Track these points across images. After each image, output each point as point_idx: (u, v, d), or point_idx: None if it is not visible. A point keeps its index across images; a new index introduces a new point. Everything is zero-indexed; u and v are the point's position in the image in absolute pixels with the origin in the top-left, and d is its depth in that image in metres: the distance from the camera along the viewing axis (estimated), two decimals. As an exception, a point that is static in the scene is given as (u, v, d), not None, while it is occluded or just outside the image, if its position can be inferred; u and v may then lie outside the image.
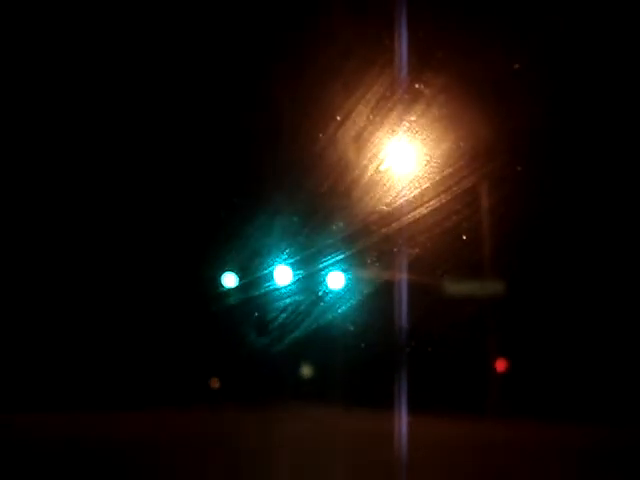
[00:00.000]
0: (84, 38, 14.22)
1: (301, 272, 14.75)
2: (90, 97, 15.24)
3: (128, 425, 13.51)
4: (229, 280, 14.53)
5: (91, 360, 17.44)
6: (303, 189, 14.88)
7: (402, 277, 14.13)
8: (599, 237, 15.00)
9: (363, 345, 16.24)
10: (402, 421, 10.23)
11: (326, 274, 14.54)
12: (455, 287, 14.12)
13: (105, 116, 15.46)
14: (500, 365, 14.89)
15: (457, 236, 14.86)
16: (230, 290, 14.56)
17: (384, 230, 14.37)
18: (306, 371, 22.24)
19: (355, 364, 17.31)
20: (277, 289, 14.68)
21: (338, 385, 17.27)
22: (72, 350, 17.38)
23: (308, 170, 14.41)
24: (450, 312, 14.98)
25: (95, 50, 14.54)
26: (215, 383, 25.00)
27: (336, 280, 14.44)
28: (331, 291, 14.73)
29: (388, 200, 13.79)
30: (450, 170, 13.44)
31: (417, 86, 12.11)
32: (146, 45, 14.58)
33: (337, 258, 14.70)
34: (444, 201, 14.33)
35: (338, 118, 12.86)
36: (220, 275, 14.68)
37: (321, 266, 14.74)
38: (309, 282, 14.83)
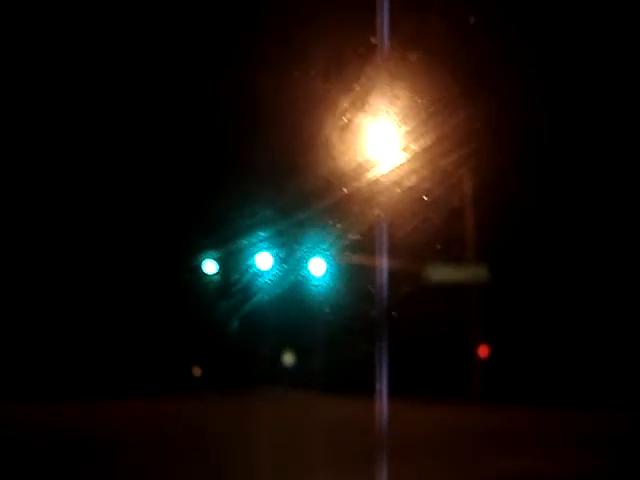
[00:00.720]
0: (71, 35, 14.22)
1: (282, 258, 14.82)
2: (78, 92, 15.23)
3: (109, 414, 13.50)
4: (210, 267, 14.53)
5: (71, 348, 17.43)
6: (281, 174, 15.01)
7: (383, 262, 14.19)
8: (585, 221, 15.09)
9: (343, 331, 16.32)
10: (382, 407, 10.08)
11: (307, 260, 14.58)
12: (437, 272, 14.18)
13: (87, 104, 15.43)
14: (482, 351, 15.01)
15: (439, 220, 15.01)
16: (211, 276, 14.54)
17: (364, 215, 14.49)
18: (287, 357, 22.34)
19: (335, 350, 17.35)
20: (258, 275, 14.72)
21: (318, 371, 17.32)
22: (51, 339, 17.39)
23: (287, 156, 14.61)
24: (432, 297, 15.06)
25: (90, 49, 14.56)
26: (196, 371, 25.32)
27: (317, 266, 14.50)
28: (312, 277, 14.80)
29: (369, 185, 13.86)
30: (432, 152, 13.34)
31: (398, 66, 12.03)
32: (136, 40, 14.52)
33: (317, 243, 14.78)
34: (426, 185, 14.38)
35: (317, 99, 12.92)
36: (201, 262, 14.66)
37: (302, 252, 14.80)
38: (290, 268, 14.88)
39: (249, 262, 14.64)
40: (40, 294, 17.20)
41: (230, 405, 14.04)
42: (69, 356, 17.32)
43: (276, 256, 14.60)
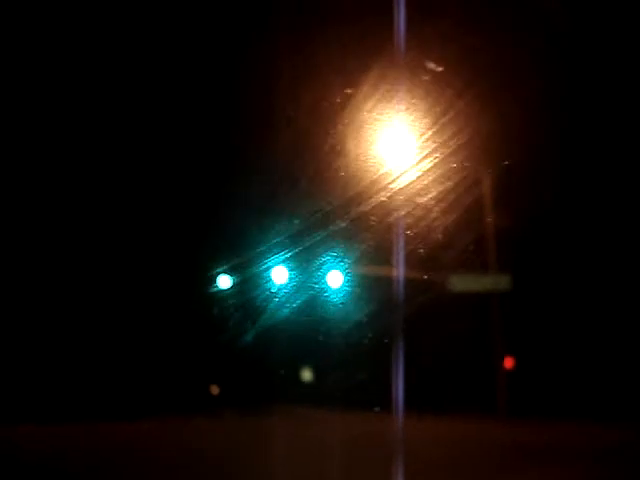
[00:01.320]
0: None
1: (298, 271, 14.57)
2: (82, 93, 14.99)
3: (122, 435, 13.32)
4: (224, 281, 14.29)
5: (82, 367, 17.15)
6: (298, 186, 14.71)
7: (400, 272, 13.89)
8: (609, 228, 14.75)
9: (361, 345, 16.03)
10: (400, 424, 10.08)
11: (324, 272, 14.31)
12: (457, 282, 13.84)
13: (97, 110, 15.21)
14: (507, 363, 14.65)
15: (459, 228, 14.66)
16: (225, 291, 14.31)
17: (381, 223, 14.19)
18: (304, 374, 22.06)
19: (353, 365, 17.05)
20: (273, 289, 14.48)
21: (337, 388, 17.02)
22: (61, 357, 17.11)
23: (303, 167, 14.36)
24: (452, 309, 14.74)
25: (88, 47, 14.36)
26: (213, 389, 25.09)
27: (334, 278, 14.19)
28: (329, 289, 14.51)
29: (387, 194, 13.58)
30: (451, 159, 12.84)
31: (417, 71, 11.82)
32: (149, 42, 14.40)
33: (334, 255, 14.49)
34: (445, 192, 13.95)
35: (333, 104, 12.70)
36: (215, 276, 14.42)
37: (319, 264, 14.53)
38: (306, 281, 14.62)
39: (265, 276, 14.34)
40: (51, 310, 16.96)
41: (247, 424, 13.72)
42: (81, 375, 17.00)
43: (292, 269, 14.28)
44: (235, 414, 17.76)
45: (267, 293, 14.78)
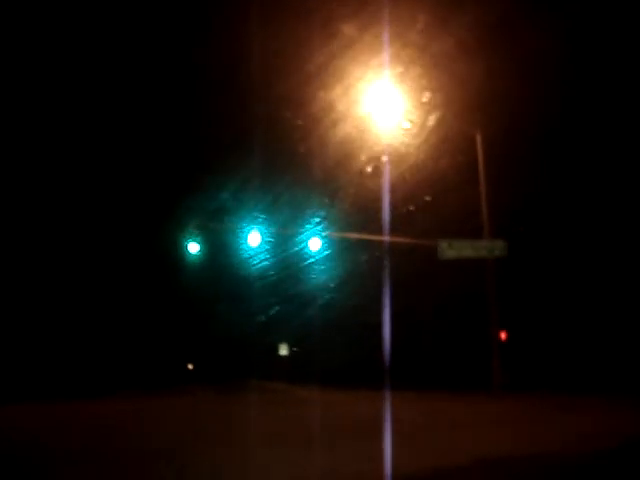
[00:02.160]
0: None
1: (278, 236, 13.70)
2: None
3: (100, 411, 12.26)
4: (193, 246, 13.24)
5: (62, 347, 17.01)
6: (284, 146, 14.10)
7: (387, 238, 13.00)
8: (613, 189, 13.91)
9: (344, 317, 15.36)
10: (387, 403, 9.19)
11: (304, 236, 13.34)
12: (447, 248, 12.92)
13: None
14: (501, 336, 13.72)
15: (450, 190, 13.94)
16: (195, 256, 13.28)
17: (367, 187, 13.39)
18: (282, 348, 21.35)
19: (337, 339, 16.34)
20: (249, 254, 13.57)
21: (318, 363, 16.31)
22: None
23: (285, 126, 13.45)
24: (443, 276, 13.91)
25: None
26: (190, 365, 24.79)
27: (316, 244, 13.21)
28: (309, 254, 13.57)
29: (376, 155, 12.88)
30: (444, 120, 12.51)
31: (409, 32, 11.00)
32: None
33: (318, 220, 13.63)
34: (438, 154, 13.43)
35: (326, 67, 11.66)
36: (184, 241, 13.36)
37: (301, 230, 13.62)
38: (287, 247, 13.76)
39: (239, 240, 13.38)
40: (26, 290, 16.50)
41: (222, 403, 12.85)
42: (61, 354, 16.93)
43: (268, 233, 13.32)
44: (210, 392, 17.21)
45: (240, 259, 13.99)
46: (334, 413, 9.79)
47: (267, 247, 13.43)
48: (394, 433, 6.51)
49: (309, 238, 13.14)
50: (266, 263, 13.66)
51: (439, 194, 13.47)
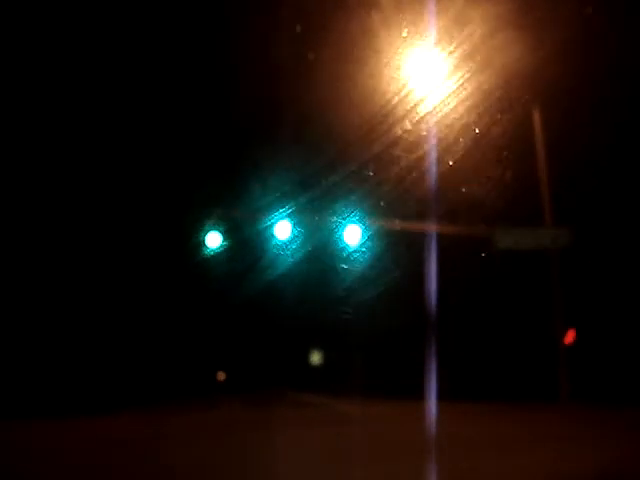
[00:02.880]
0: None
1: (311, 226, 12.13)
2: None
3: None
4: (213, 240, 11.71)
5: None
6: (308, 125, 12.74)
7: (435, 228, 11.42)
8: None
9: (385, 322, 13.84)
10: (433, 416, 8.32)
11: (340, 227, 11.77)
12: (506, 238, 11.40)
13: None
14: (568, 338, 12.08)
15: (506, 172, 12.09)
16: (215, 251, 11.77)
17: (412, 170, 11.74)
18: (315, 356, 19.86)
19: (376, 347, 14.83)
20: (278, 247, 12.10)
21: (356, 372, 14.87)
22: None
23: (317, 107, 12.13)
24: (500, 270, 12.31)
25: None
26: (221, 376, 23.68)
27: (352, 234, 11.65)
28: (346, 247, 11.96)
29: (418, 131, 11.07)
30: (497, 95, 10.93)
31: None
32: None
33: (352, 207, 12.04)
34: (491, 133, 11.47)
35: (359, 35, 10.49)
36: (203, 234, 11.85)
37: (333, 218, 12.03)
38: (321, 238, 12.21)
39: (267, 232, 11.81)
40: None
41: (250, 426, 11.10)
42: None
43: (299, 224, 11.81)
44: (237, 404, 15.91)
45: (269, 252, 12.52)
46: (386, 434, 8.26)
47: (298, 239, 11.81)
48: (458, 455, 5.95)
49: (345, 227, 11.60)
50: (297, 258, 12.01)
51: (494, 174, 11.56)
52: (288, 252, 12.32)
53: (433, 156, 10.99)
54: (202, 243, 11.73)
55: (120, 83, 14.06)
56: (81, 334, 16.02)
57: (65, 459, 6.93)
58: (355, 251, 11.99)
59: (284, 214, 11.67)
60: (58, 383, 15.04)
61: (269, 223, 11.79)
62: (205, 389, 19.41)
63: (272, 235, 11.80)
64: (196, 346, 17.45)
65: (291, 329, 16.34)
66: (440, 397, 9.52)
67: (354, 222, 11.74)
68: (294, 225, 11.69)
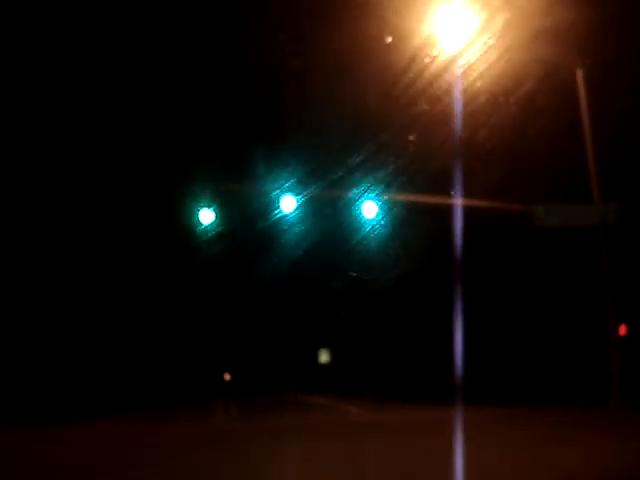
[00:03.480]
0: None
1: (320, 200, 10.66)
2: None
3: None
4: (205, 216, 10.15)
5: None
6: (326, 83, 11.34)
7: (460, 202, 9.88)
8: None
9: (407, 310, 12.37)
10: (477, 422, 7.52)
11: (355, 201, 10.23)
12: (550, 215, 9.91)
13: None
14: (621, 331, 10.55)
15: (545, 141, 10.98)
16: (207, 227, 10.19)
17: (434, 135, 10.60)
18: (328, 354, 18.53)
19: (395, 337, 13.37)
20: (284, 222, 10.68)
21: (374, 370, 13.54)
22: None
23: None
24: (538, 250, 10.80)
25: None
26: (227, 376, 22.94)
27: (370, 210, 10.05)
28: (362, 220, 10.34)
29: (446, 96, 9.83)
30: (532, 48, 9.55)
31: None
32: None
33: (368, 178, 10.49)
34: (529, 95, 10.36)
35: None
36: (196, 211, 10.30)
37: (351, 192, 10.42)
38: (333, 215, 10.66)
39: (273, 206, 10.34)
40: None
41: (246, 433, 9.40)
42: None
43: (306, 196, 10.22)
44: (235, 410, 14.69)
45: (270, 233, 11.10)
46: (407, 447, 6.65)
47: (304, 215, 10.34)
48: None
49: (362, 202, 10.12)
50: (303, 239, 10.55)
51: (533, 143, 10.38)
52: (293, 230, 10.88)
53: (459, 123, 9.63)
54: (196, 220, 10.16)
55: (118, 56, 13.32)
56: (67, 339, 15.52)
57: (49, 465, 6.35)
58: (372, 226, 10.47)
59: (291, 187, 10.14)
60: (44, 390, 14.57)
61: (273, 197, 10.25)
62: (201, 393, 18.45)
63: (278, 209, 10.23)
64: (195, 345, 17.53)
65: (294, 325, 15.22)
66: (466, 401, 8.60)
67: (371, 197, 10.16)
68: (299, 199, 10.09)
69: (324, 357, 17.68)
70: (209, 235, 10.57)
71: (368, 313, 13.46)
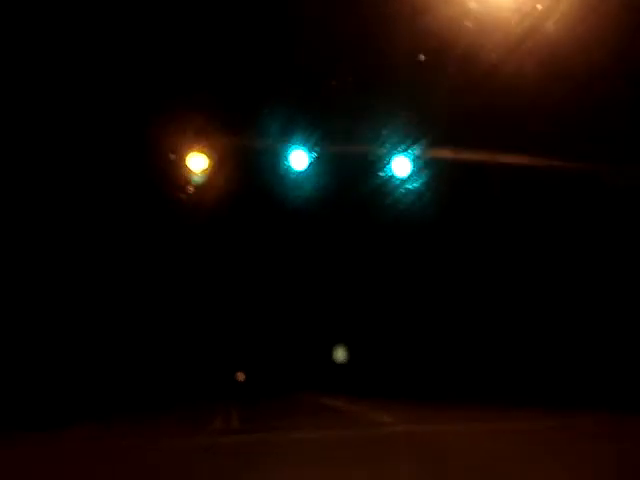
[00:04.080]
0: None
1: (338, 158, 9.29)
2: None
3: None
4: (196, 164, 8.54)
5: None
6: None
7: (508, 159, 8.51)
8: None
9: (434, 298, 10.85)
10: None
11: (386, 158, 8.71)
12: (620, 177, 8.34)
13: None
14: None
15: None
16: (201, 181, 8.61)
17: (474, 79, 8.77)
18: (344, 351, 17.05)
19: (422, 330, 11.79)
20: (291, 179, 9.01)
21: (396, 368, 12.10)
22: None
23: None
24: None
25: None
26: (240, 377, 22.82)
27: (403, 167, 8.54)
28: (394, 178, 8.78)
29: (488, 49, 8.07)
30: None
31: None
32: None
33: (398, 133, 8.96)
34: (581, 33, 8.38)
35: None
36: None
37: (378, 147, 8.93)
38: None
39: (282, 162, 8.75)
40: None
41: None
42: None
43: (322, 152, 8.61)
44: (236, 418, 13.33)
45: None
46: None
47: (319, 178, 8.77)
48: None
49: (391, 159, 8.57)
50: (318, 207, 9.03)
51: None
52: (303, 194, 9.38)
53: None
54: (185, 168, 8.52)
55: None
56: (67, 338, 15.41)
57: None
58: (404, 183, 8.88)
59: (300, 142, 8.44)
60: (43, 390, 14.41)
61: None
62: (201, 396, 18.06)
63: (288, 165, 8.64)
64: (206, 344, 17.52)
65: (308, 318, 14.05)
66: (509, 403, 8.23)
67: (402, 153, 8.61)
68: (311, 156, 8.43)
69: (340, 354, 16.13)
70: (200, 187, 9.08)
71: (397, 301, 11.96)
